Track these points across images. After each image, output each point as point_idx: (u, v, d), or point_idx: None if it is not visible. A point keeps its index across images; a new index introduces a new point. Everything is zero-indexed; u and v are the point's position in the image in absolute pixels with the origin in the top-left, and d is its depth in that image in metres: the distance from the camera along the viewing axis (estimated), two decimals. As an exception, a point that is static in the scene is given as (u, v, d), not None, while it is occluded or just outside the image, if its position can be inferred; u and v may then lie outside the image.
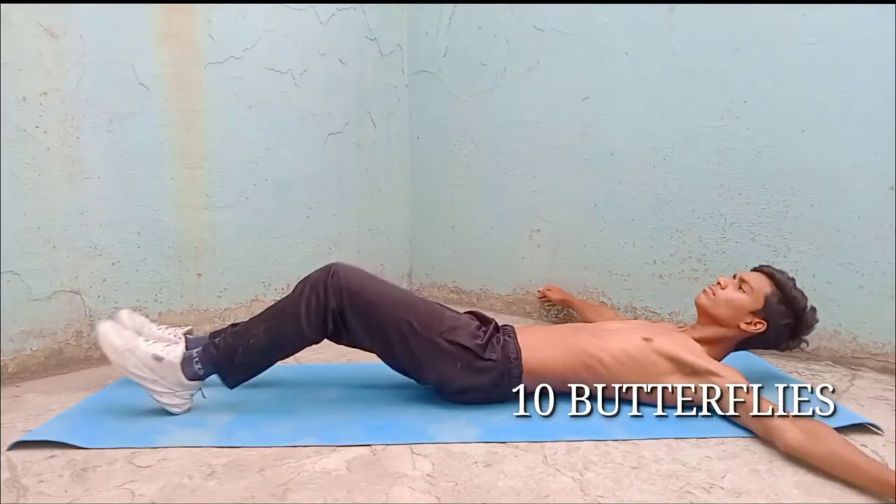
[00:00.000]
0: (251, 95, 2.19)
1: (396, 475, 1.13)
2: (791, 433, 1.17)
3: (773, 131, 1.88)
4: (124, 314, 1.59)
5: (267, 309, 1.47)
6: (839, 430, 1.28)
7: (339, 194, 2.55)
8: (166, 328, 1.65)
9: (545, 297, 2.30)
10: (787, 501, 1.04)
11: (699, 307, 1.53)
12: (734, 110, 1.94)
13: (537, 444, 1.25)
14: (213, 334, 1.62)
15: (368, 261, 2.66)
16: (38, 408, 1.48)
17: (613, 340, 1.45)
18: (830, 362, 1.83)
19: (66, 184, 1.78)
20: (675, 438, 1.28)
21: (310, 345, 1.44)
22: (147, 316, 1.97)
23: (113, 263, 1.89)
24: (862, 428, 1.32)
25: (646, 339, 1.43)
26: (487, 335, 1.46)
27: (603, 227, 2.27)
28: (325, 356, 1.93)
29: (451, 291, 2.75)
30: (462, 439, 1.28)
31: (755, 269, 1.55)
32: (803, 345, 1.54)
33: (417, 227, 2.83)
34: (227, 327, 1.55)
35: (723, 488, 1.08)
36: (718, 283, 1.52)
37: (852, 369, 1.77)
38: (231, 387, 1.43)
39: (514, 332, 1.51)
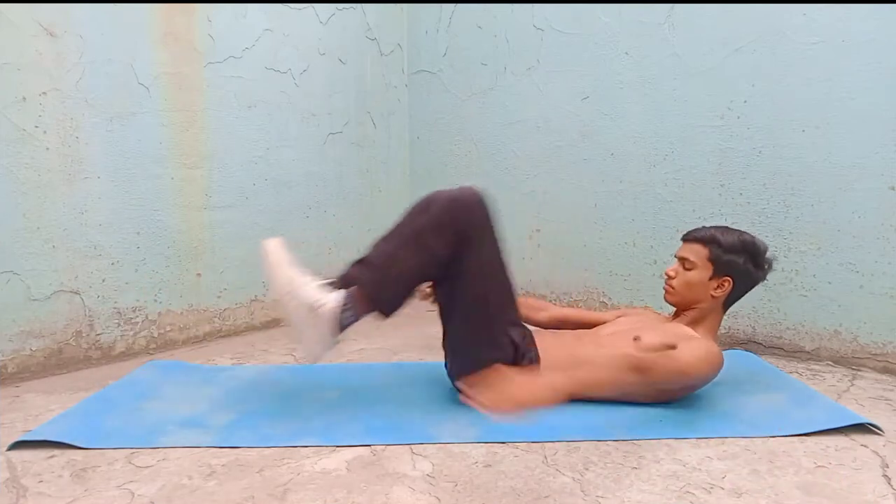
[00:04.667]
0: (251, 95, 2.19)
1: (396, 475, 1.13)
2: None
3: (773, 131, 1.88)
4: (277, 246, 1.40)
5: (401, 231, 1.36)
6: (840, 430, 1.30)
7: (339, 194, 2.55)
8: (310, 284, 1.39)
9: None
10: (787, 501, 1.04)
11: (671, 304, 1.58)
12: (734, 110, 1.94)
13: (537, 444, 1.25)
14: (342, 279, 1.42)
15: (368, 261, 2.66)
16: (37, 408, 1.48)
17: (614, 347, 1.46)
18: (831, 362, 1.83)
19: (65, 184, 1.78)
20: (675, 438, 1.28)
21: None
22: (146, 317, 1.98)
23: (112, 263, 1.89)
24: (862, 428, 1.31)
25: (635, 339, 1.44)
26: (527, 340, 1.45)
27: (603, 227, 2.27)
28: (324, 356, 1.93)
29: (451, 291, 2.75)
30: (462, 439, 1.28)
31: (684, 242, 1.58)
32: (774, 263, 1.56)
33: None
34: (352, 267, 1.39)
35: (723, 488, 1.08)
36: (668, 276, 1.56)
37: (853, 369, 1.77)
38: (389, 315, 1.37)
39: (533, 339, 1.50)
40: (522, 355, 1.41)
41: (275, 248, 1.36)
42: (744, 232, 1.54)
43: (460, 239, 1.34)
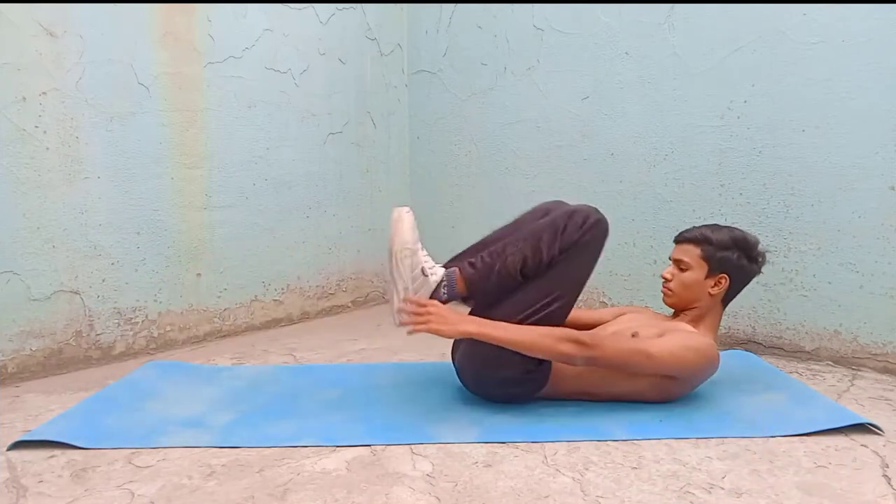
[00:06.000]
0: (251, 95, 2.19)
1: (396, 475, 1.13)
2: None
3: (773, 131, 1.88)
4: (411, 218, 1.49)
5: (517, 230, 1.45)
6: (840, 430, 1.30)
7: (339, 194, 2.55)
8: (426, 256, 1.49)
9: None
10: (787, 501, 1.04)
11: (670, 306, 1.59)
12: (734, 110, 1.94)
13: (537, 444, 1.25)
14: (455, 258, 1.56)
15: (368, 261, 2.66)
16: (37, 408, 1.48)
17: (614, 343, 1.45)
18: (831, 362, 1.83)
19: (65, 183, 1.78)
20: (675, 438, 1.28)
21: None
22: (146, 316, 1.98)
23: (112, 263, 1.89)
24: (862, 428, 1.31)
25: (634, 335, 1.45)
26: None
27: (603, 227, 2.27)
28: (325, 356, 1.93)
29: (451, 291, 2.75)
30: (462, 439, 1.28)
31: (676, 244, 1.58)
32: (767, 255, 1.57)
33: (417, 227, 2.82)
34: (468, 250, 1.52)
35: (723, 488, 1.08)
36: (665, 279, 1.57)
37: (853, 369, 1.77)
38: (474, 301, 1.46)
39: None
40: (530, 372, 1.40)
41: (407, 213, 1.45)
42: (734, 227, 1.56)
43: (567, 248, 1.39)
